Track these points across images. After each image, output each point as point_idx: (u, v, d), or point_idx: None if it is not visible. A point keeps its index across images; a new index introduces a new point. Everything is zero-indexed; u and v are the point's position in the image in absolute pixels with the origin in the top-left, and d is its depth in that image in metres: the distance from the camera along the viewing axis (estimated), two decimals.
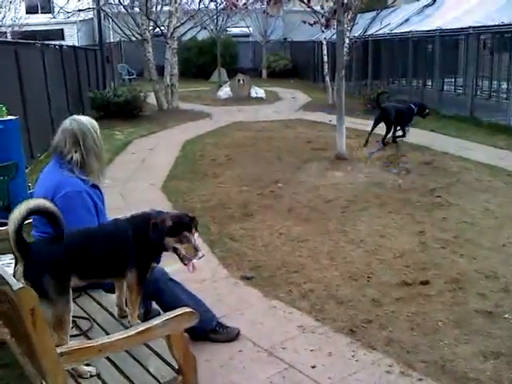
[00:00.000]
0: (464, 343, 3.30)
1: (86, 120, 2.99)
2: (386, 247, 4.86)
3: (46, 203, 2.23)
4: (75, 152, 2.86)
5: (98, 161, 2.93)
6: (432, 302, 3.82)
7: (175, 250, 2.49)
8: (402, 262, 4.53)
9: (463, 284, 4.07)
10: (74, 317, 2.36)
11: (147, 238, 2.45)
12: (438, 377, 2.98)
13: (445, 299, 3.85)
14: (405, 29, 16.20)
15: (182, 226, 2.48)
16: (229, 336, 3.35)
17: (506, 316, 3.61)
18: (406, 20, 16.98)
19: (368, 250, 4.80)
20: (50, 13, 24.69)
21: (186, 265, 2.50)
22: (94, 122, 3.01)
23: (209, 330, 3.30)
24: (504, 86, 14.96)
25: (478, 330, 3.43)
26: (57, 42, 14.26)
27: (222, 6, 18.97)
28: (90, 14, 20.23)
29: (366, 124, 12.07)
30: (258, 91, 18.67)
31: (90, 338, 2.48)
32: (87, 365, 2.28)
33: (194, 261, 2.48)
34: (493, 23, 12.00)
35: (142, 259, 2.50)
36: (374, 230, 5.30)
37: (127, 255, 2.45)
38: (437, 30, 14.06)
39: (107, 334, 2.47)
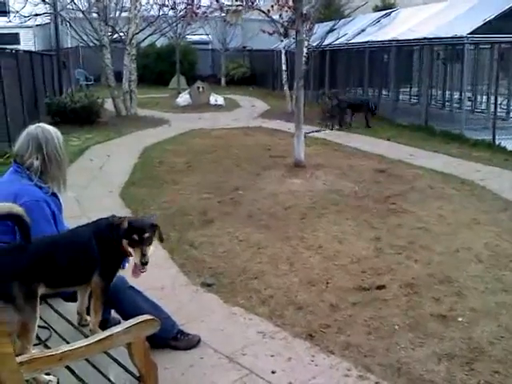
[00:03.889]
0: (419, 346, 3.39)
1: (52, 129, 2.96)
2: (343, 253, 4.95)
3: (16, 208, 2.21)
4: (36, 158, 2.82)
5: (59, 169, 2.90)
6: (388, 306, 3.92)
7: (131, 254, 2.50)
8: (359, 267, 4.62)
9: (418, 288, 4.19)
10: None
11: (111, 243, 2.46)
12: (394, 380, 3.06)
13: (400, 303, 3.95)
14: (361, 39, 16.52)
15: (136, 229, 2.47)
16: (189, 343, 3.35)
17: (460, 319, 3.72)
18: (363, 30, 17.33)
19: (326, 256, 4.88)
20: (5, 16, 24.03)
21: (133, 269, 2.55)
22: (59, 133, 2.98)
23: (169, 338, 3.30)
24: (456, 96, 15.47)
25: (432, 333, 3.53)
26: (13, 47, 13.91)
27: (181, 13, 18.92)
28: (47, 19, 19.77)
29: (325, 132, 12.32)
30: (217, 98, 18.68)
31: (48, 348, 2.45)
32: (47, 374, 2.24)
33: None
34: (445, 35, 12.40)
35: (107, 265, 2.50)
36: (331, 237, 5.39)
37: (93, 262, 2.45)
38: (392, 40, 14.39)
39: (67, 342, 2.44)
